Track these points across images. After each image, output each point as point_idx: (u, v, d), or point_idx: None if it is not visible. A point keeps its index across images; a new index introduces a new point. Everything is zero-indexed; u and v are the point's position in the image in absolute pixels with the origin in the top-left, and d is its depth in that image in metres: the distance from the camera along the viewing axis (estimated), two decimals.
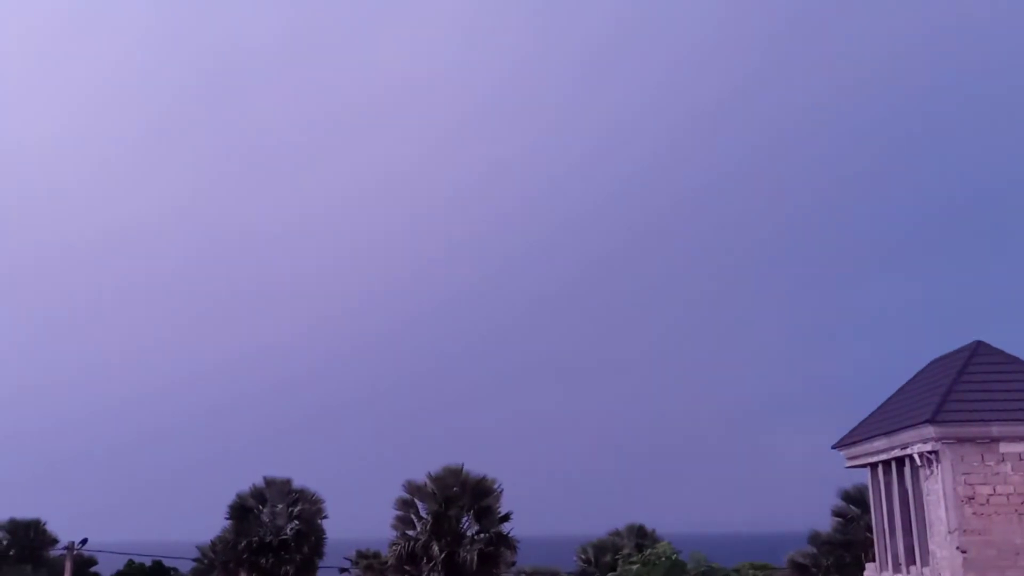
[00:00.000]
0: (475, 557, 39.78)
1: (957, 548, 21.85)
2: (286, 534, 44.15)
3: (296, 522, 44.62)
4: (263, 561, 43.66)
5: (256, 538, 43.70)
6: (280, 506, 45.06)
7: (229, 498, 45.31)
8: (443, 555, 39.66)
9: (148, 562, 54.45)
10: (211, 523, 46.71)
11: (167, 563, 54.56)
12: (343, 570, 56.23)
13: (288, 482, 45.83)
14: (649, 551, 34.17)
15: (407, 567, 40.60)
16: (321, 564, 48.00)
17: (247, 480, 46.34)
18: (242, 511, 44.65)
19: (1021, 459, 22.13)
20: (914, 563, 24.19)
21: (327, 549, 47.59)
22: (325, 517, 45.86)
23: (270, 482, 45.68)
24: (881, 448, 25.22)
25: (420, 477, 41.61)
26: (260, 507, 45.09)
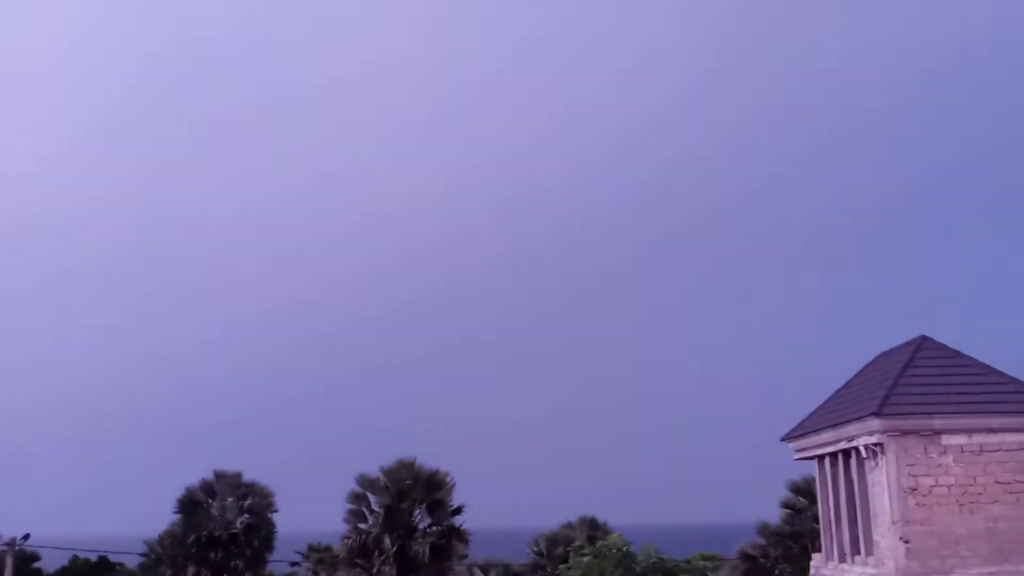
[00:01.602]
0: (427, 550, 39.75)
1: (900, 538, 22.21)
2: (236, 528, 43.69)
3: (246, 516, 44.19)
4: (212, 556, 43.17)
5: (205, 532, 43.19)
6: (230, 500, 44.58)
7: (178, 491, 44.76)
8: (395, 548, 39.56)
9: (94, 558, 53.65)
10: (159, 517, 46.14)
11: (113, 559, 53.78)
12: (294, 564, 55.86)
13: (238, 475, 45.35)
14: (600, 543, 34.30)
15: (359, 561, 40.43)
16: (272, 558, 47.64)
17: (197, 473, 45.81)
18: (191, 505, 44.11)
19: (963, 451, 22.54)
20: (859, 553, 24.56)
21: (278, 543, 47.18)
22: (276, 511, 45.47)
23: (220, 476, 45.15)
24: (828, 440, 25.56)
25: (373, 471, 41.47)
26: (209, 501, 44.57)
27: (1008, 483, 22.53)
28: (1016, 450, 22.68)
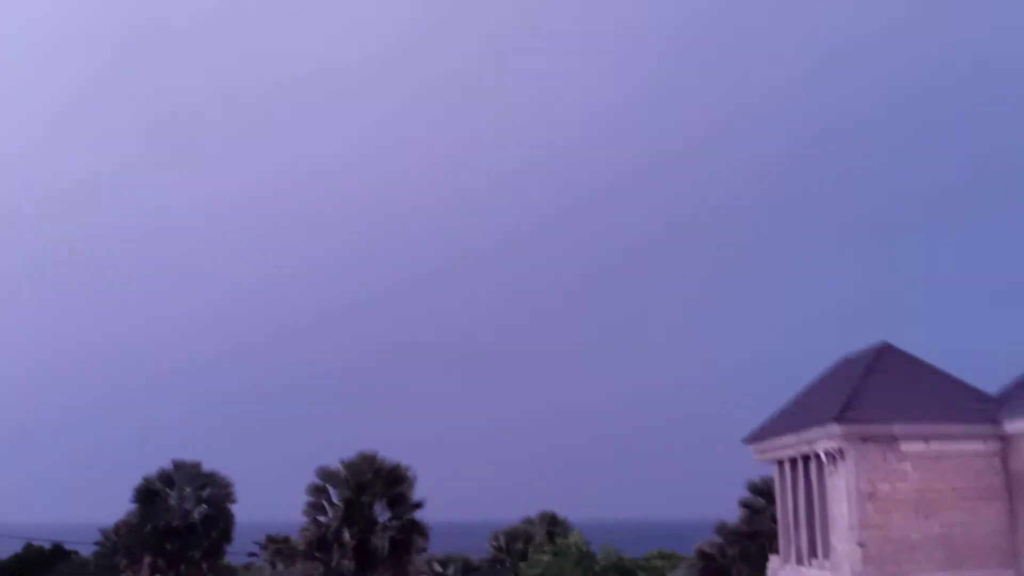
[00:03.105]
0: (387, 544, 39.56)
1: (857, 543, 22.46)
2: (193, 518, 43.24)
3: (204, 506, 43.71)
4: (169, 546, 42.72)
5: (162, 522, 42.72)
6: (188, 490, 44.09)
7: (135, 480, 44.23)
8: (354, 542, 39.34)
9: (48, 545, 52.86)
10: (116, 505, 45.61)
11: (68, 546, 53.03)
12: (251, 554, 55.45)
13: (197, 465, 44.88)
14: (560, 542, 34.40)
15: (317, 553, 40.16)
16: (230, 549, 47.24)
17: (155, 461, 45.34)
18: (148, 494, 43.57)
19: (921, 458, 22.84)
20: (816, 556, 24.81)
21: (236, 533, 46.80)
22: (234, 501, 45.07)
23: (178, 465, 44.67)
24: (789, 444, 25.78)
25: (333, 463, 41.19)
26: (167, 490, 44.08)
27: (964, 490, 22.86)
28: (971, 457, 23.03)
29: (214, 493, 44.17)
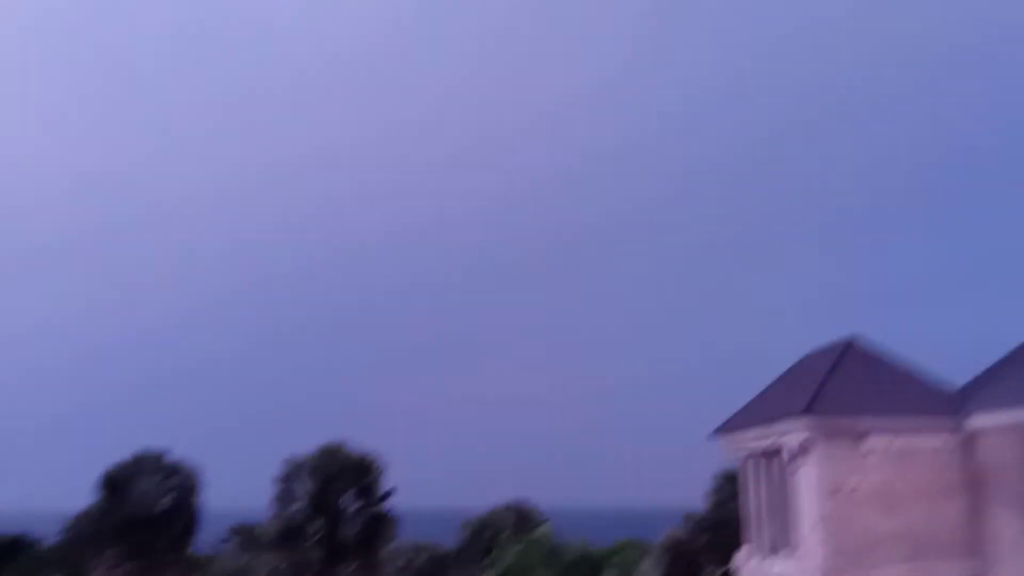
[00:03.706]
0: (355, 534, 39.59)
1: (823, 536, 22.65)
2: (159, 509, 42.99)
3: (170, 496, 43.48)
4: (134, 536, 42.45)
5: (127, 512, 42.43)
6: (154, 480, 43.82)
7: (99, 461, 43.86)
8: (322, 532, 39.32)
9: (6, 534, 52.07)
10: (78, 488, 45.08)
11: (29, 537, 52.28)
12: (219, 543, 55.03)
13: (162, 455, 44.60)
14: (529, 536, 34.53)
15: (285, 544, 40.11)
16: (196, 539, 46.96)
17: (119, 445, 45.00)
18: (113, 485, 43.26)
19: (886, 452, 23.05)
20: (782, 548, 24.99)
21: (202, 523, 46.55)
22: (200, 492, 44.85)
23: (143, 455, 44.37)
24: (756, 437, 25.91)
25: (301, 454, 41.09)
26: (133, 481, 43.77)
27: (927, 484, 23.12)
28: (935, 452, 23.28)
29: (180, 483, 43.94)
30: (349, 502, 40.71)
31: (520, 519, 50.27)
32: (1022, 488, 21.14)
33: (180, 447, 46.14)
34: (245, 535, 51.93)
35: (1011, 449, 21.58)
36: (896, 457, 23.07)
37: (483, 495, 54.03)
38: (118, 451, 44.42)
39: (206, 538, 52.02)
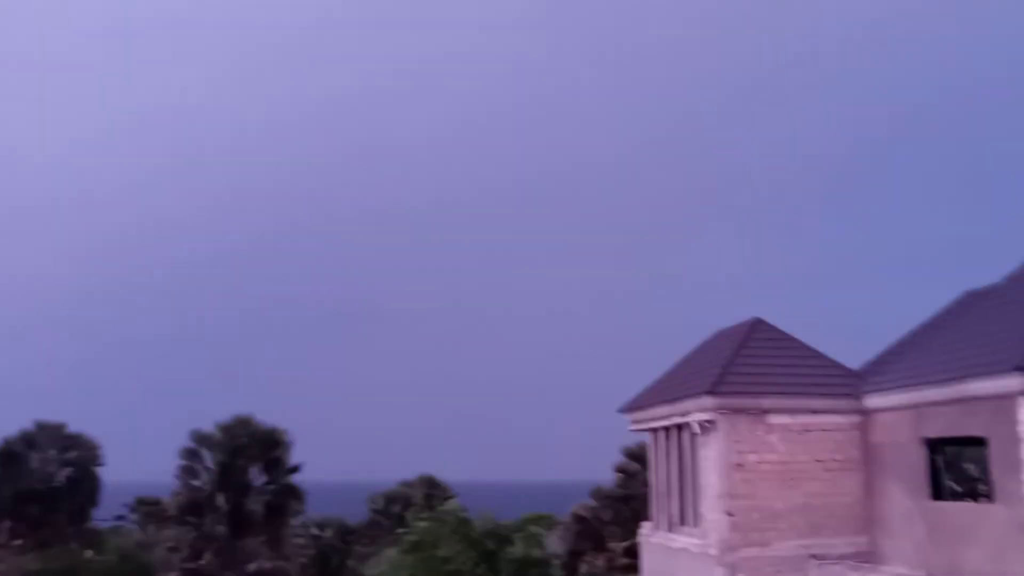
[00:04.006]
0: (262, 508, 39.12)
1: (725, 511, 23.21)
2: (57, 481, 41.83)
3: (69, 469, 42.34)
4: (31, 510, 41.25)
5: (23, 485, 41.16)
6: (52, 452, 42.59)
7: None
8: (229, 506, 38.74)
9: None
10: None
11: None
12: (119, 517, 53.84)
13: (61, 427, 43.39)
14: (439, 508, 34.59)
15: (190, 517, 39.42)
16: (96, 512, 45.92)
17: (15, 422, 43.57)
18: (8, 457, 41.90)
19: (787, 430, 23.67)
20: (686, 524, 25.55)
21: (104, 496, 45.52)
22: (101, 464, 43.79)
23: (41, 426, 43.10)
24: (663, 415, 26.37)
25: (208, 426, 40.33)
26: (29, 453, 42.46)
27: (825, 461, 23.83)
28: (834, 431, 23.98)
29: (80, 455, 42.87)
30: (255, 476, 40.15)
31: (429, 492, 50.38)
32: (913, 466, 21.97)
33: (81, 420, 44.98)
34: (148, 508, 50.92)
35: (904, 428, 22.39)
36: (796, 435, 23.70)
37: (392, 470, 53.99)
38: (15, 424, 43.08)
39: (108, 512, 50.86)
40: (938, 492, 21.49)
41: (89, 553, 42.50)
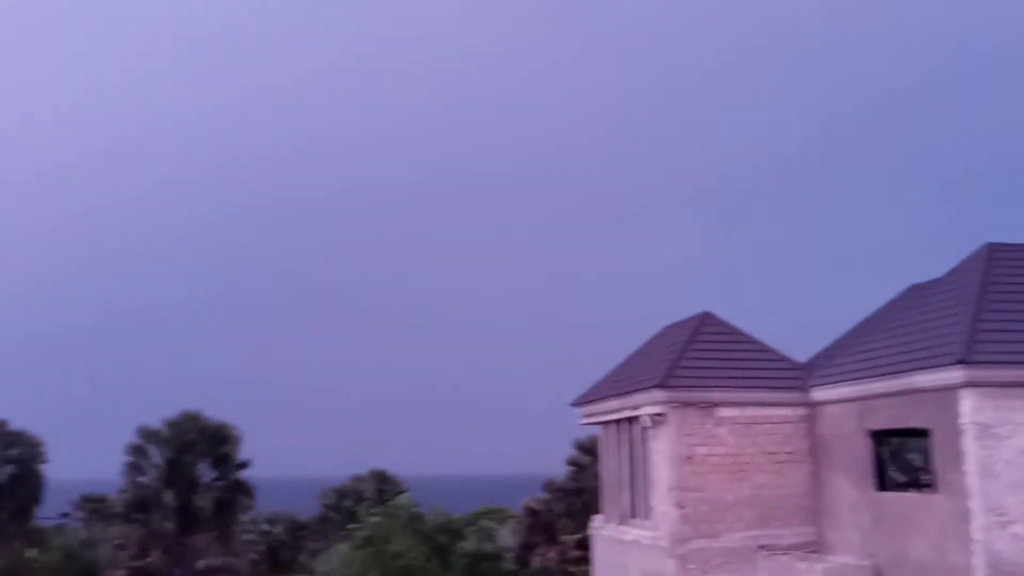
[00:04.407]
0: (211, 504, 38.66)
1: (675, 504, 23.40)
2: None
3: (11, 467, 41.50)
4: None
5: None
6: None
7: None
8: (177, 503, 38.23)
9: None
10: None
11: None
12: (64, 515, 52.89)
13: (2, 424, 42.48)
14: (390, 503, 34.46)
15: (137, 515, 38.84)
16: (39, 510, 45.07)
17: None
18: None
19: (735, 423, 23.91)
20: (637, 516, 25.72)
21: (47, 493, 44.72)
22: (44, 461, 42.99)
23: None
24: (614, 408, 26.49)
25: (155, 421, 39.74)
26: None
27: (774, 453, 24.12)
28: (781, 423, 24.28)
29: (21, 452, 42.06)
30: (204, 472, 39.66)
31: (381, 487, 50.21)
32: (859, 458, 22.32)
33: (23, 417, 44.07)
34: (94, 506, 50.07)
35: (850, 420, 22.74)
36: (745, 427, 23.96)
37: (342, 465, 53.69)
38: None
39: (52, 510, 49.93)
40: (883, 483, 21.86)
41: (33, 552, 41.72)
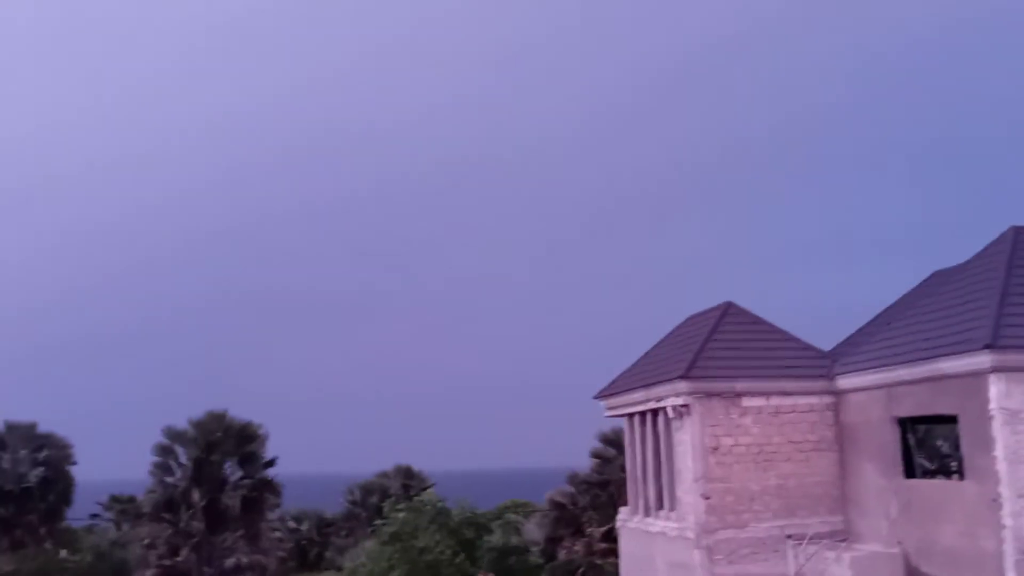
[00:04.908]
0: (238, 503, 38.86)
1: (701, 495, 23.36)
2: (29, 482, 41.41)
3: (41, 469, 41.92)
4: (3, 512, 40.87)
5: None
6: (23, 452, 42.14)
7: None
8: (204, 502, 38.46)
9: None
10: None
11: None
12: (94, 516, 53.45)
13: (32, 426, 42.95)
14: (416, 498, 34.56)
15: (165, 514, 39.10)
16: (70, 512, 45.56)
17: None
18: None
19: (760, 413, 23.85)
20: (663, 508, 25.69)
21: (77, 494, 45.16)
22: (74, 463, 43.43)
23: (12, 427, 42.66)
24: (638, 400, 26.45)
25: (181, 422, 39.98)
26: (1, 453, 42.03)
27: (799, 443, 24.04)
28: (807, 412, 24.19)
29: (51, 455, 42.46)
30: (231, 471, 39.87)
31: (406, 483, 50.38)
32: (886, 445, 22.19)
33: (52, 419, 44.54)
34: (123, 506, 50.53)
35: (876, 407, 22.60)
36: (770, 417, 23.89)
37: (369, 461, 53.91)
38: None
39: (82, 511, 50.45)
40: (910, 470, 21.73)
41: (64, 553, 42.16)
